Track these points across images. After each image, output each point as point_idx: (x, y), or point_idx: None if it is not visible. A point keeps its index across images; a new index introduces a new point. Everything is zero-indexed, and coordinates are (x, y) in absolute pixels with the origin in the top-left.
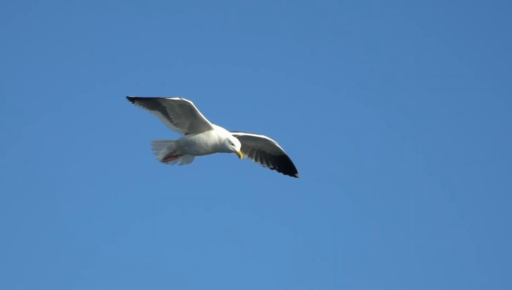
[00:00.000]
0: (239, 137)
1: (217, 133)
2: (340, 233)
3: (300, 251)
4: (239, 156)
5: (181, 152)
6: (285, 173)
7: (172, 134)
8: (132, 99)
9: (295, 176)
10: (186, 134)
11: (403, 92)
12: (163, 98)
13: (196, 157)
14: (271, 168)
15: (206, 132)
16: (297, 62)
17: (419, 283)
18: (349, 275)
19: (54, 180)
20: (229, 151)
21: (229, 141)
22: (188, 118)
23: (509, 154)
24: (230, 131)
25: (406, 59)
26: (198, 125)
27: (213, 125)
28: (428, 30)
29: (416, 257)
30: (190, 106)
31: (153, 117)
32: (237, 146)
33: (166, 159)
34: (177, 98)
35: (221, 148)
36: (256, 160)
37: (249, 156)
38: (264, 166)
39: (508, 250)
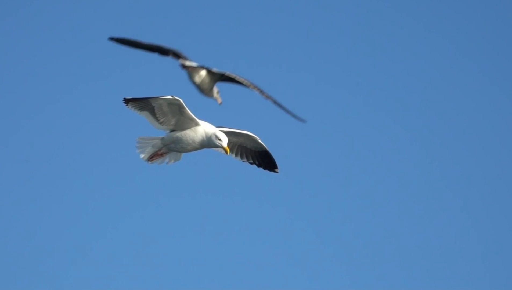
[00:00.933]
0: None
1: (204, 129)
2: (339, 233)
3: (299, 250)
4: (226, 152)
5: (167, 149)
6: (264, 168)
7: (159, 131)
8: (127, 101)
9: (275, 172)
10: (171, 131)
11: (403, 92)
12: (156, 98)
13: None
14: (251, 163)
15: (192, 128)
16: (297, 62)
17: (419, 283)
18: (348, 275)
19: (52, 179)
20: (216, 146)
21: (216, 136)
22: (175, 116)
23: None
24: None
25: (406, 58)
26: (184, 122)
27: (199, 121)
28: (429, 29)
29: (416, 258)
30: (179, 103)
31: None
32: (224, 141)
33: (152, 158)
34: (169, 97)
35: (208, 143)
36: (236, 155)
37: (230, 151)
38: (244, 161)
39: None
